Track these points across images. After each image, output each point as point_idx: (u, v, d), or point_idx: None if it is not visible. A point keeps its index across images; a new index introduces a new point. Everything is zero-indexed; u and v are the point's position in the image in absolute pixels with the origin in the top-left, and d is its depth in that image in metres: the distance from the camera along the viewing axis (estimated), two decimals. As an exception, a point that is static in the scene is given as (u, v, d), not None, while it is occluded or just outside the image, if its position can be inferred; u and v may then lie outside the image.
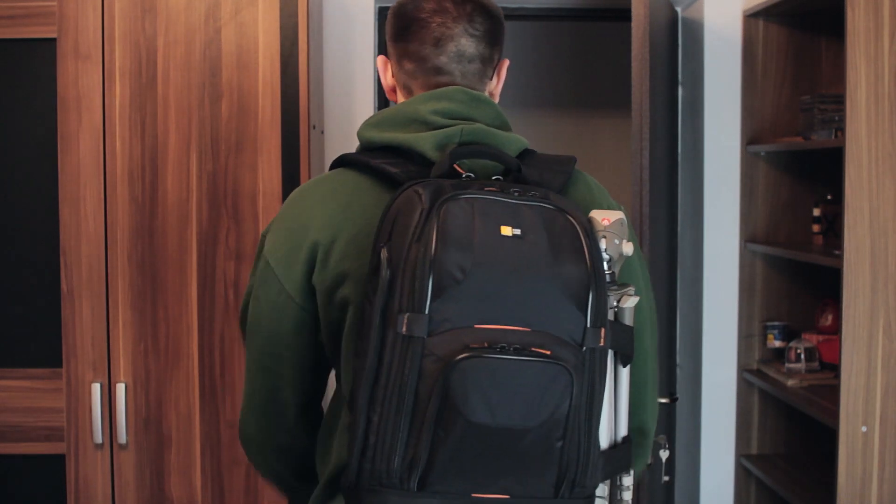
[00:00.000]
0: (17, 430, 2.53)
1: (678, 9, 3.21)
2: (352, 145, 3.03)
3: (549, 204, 1.27)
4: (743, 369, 3.10)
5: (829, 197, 2.94)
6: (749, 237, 3.09)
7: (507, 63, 1.54)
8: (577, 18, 3.53)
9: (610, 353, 1.33)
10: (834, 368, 2.80)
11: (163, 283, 2.51)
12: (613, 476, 1.40)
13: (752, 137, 3.07)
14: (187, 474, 2.54)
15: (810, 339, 2.97)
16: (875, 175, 2.41)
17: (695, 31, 3.16)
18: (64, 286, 2.50)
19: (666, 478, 2.60)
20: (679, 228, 3.24)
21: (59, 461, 2.54)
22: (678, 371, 3.23)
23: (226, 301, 2.52)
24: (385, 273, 1.22)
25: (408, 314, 1.20)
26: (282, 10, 2.50)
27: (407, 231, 1.22)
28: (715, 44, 3.09)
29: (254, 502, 2.55)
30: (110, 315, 2.51)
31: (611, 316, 1.32)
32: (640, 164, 2.42)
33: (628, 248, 1.32)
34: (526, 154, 1.44)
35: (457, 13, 1.45)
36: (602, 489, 1.38)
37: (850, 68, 2.39)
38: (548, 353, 1.21)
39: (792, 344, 2.96)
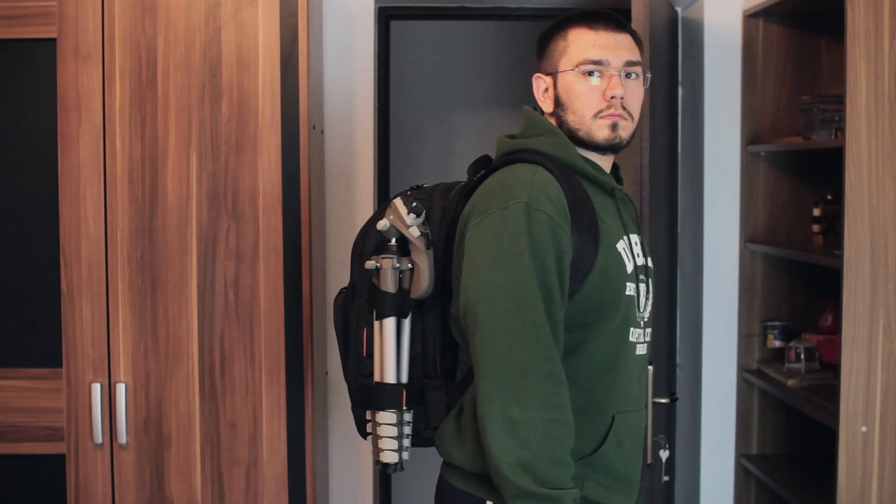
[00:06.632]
0: (17, 430, 2.53)
1: (678, 9, 3.21)
2: (352, 145, 3.04)
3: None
4: (743, 369, 3.10)
5: (829, 197, 2.94)
6: (749, 237, 3.09)
7: (535, 76, 1.83)
8: (577, 18, 3.52)
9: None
10: (834, 368, 2.79)
11: (163, 283, 2.51)
12: (379, 409, 1.79)
13: (752, 137, 3.07)
14: (187, 474, 2.54)
15: (810, 339, 2.97)
16: (875, 175, 2.41)
17: (695, 31, 3.16)
18: (64, 286, 2.50)
19: (666, 478, 2.60)
20: (679, 228, 3.24)
21: (59, 461, 2.54)
22: (678, 371, 3.22)
23: (226, 301, 2.52)
24: None
25: None
26: (282, 10, 2.49)
27: None
28: (715, 44, 3.09)
29: (254, 502, 2.55)
30: (110, 315, 2.51)
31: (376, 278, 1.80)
32: (640, 164, 2.42)
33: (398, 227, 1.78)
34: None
35: None
36: (389, 417, 1.79)
37: (850, 68, 2.39)
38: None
39: (792, 344, 2.96)
